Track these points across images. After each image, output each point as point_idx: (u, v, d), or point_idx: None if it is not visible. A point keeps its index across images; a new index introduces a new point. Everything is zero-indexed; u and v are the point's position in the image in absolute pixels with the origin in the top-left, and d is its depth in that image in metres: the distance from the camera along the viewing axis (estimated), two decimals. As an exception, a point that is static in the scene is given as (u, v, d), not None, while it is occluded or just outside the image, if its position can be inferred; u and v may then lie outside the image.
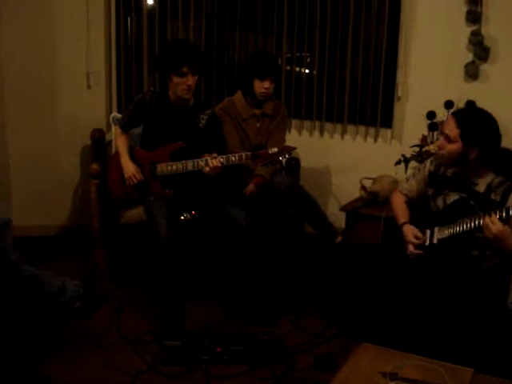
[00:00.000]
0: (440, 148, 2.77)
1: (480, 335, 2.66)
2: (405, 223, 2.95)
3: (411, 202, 3.05)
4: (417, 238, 2.84)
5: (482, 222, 2.51)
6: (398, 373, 2.15)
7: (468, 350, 2.56)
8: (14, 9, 4.26)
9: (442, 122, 3.84)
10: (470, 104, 3.83)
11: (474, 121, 2.68)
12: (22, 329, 3.09)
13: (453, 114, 2.78)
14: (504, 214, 2.44)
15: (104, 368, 2.90)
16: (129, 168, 3.52)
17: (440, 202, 2.86)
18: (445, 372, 2.15)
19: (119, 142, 3.65)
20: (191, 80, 3.36)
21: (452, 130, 2.68)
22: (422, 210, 2.95)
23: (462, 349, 2.57)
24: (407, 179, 3.10)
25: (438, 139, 3.69)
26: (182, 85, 3.37)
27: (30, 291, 3.21)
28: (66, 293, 3.33)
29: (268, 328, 3.29)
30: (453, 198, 2.81)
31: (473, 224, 2.56)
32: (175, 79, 3.37)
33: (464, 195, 2.76)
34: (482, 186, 2.72)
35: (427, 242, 2.80)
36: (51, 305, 3.28)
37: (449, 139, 2.69)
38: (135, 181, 3.50)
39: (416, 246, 2.83)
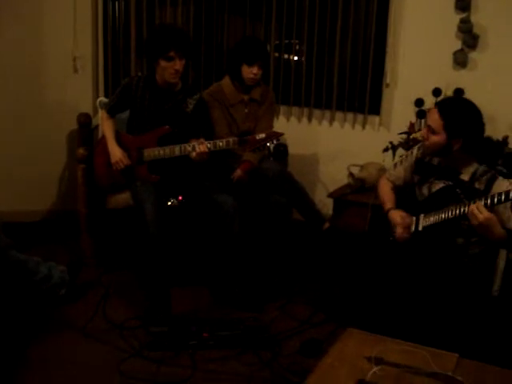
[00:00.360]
0: (424, 139, 2.78)
1: (465, 321, 2.68)
2: (391, 209, 2.95)
3: (398, 189, 3.06)
4: (402, 218, 2.85)
5: (467, 209, 2.52)
6: (384, 357, 2.16)
7: (453, 336, 2.58)
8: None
9: (429, 110, 3.85)
10: (456, 93, 3.84)
11: (457, 112, 2.66)
12: (7, 314, 3.07)
13: (436, 104, 2.76)
14: (489, 202, 2.45)
15: (90, 353, 2.90)
16: (115, 153, 3.50)
17: (425, 190, 2.86)
18: (430, 357, 2.16)
19: (105, 127, 3.62)
20: (178, 64, 3.34)
21: (435, 121, 2.67)
22: (407, 198, 2.96)
23: (447, 334, 2.59)
24: (395, 166, 3.11)
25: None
26: (170, 69, 3.35)
27: (16, 277, 3.19)
28: (52, 279, 3.30)
29: (255, 314, 3.30)
30: (438, 186, 2.81)
31: (458, 211, 2.57)
32: (162, 63, 3.35)
33: (449, 183, 2.76)
34: (466, 175, 2.72)
35: (412, 229, 2.81)
36: (36, 291, 3.26)
37: (432, 130, 2.68)
38: (122, 166, 3.48)
39: (404, 228, 2.84)
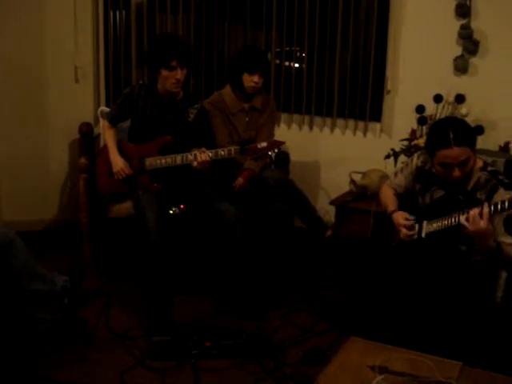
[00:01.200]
0: (460, 177, 2.63)
1: (468, 328, 2.67)
2: (394, 211, 2.95)
3: (400, 196, 3.05)
4: (406, 219, 2.85)
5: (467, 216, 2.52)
6: (387, 366, 2.16)
7: (456, 344, 2.57)
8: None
9: (431, 117, 3.84)
10: (457, 99, 3.82)
11: (467, 130, 2.65)
12: (8, 322, 3.07)
13: (446, 144, 2.57)
14: (493, 209, 2.44)
15: (92, 363, 2.89)
16: (117, 162, 3.50)
17: (427, 198, 2.86)
18: (433, 365, 2.16)
19: (107, 136, 3.63)
20: (180, 74, 3.35)
21: (464, 152, 2.57)
22: (410, 205, 2.95)
23: (451, 342, 2.58)
24: (395, 174, 3.09)
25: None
26: (171, 78, 3.35)
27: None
28: (55, 287, 3.29)
29: (257, 322, 3.29)
30: (440, 193, 2.81)
31: (461, 218, 2.57)
32: (164, 73, 3.36)
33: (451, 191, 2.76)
34: (469, 185, 2.71)
35: (415, 236, 2.81)
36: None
37: (465, 162, 2.59)
38: (124, 175, 3.48)
39: (408, 229, 2.83)
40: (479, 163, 2.72)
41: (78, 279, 3.51)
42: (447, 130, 2.58)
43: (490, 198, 2.62)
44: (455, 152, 2.56)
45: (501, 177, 2.67)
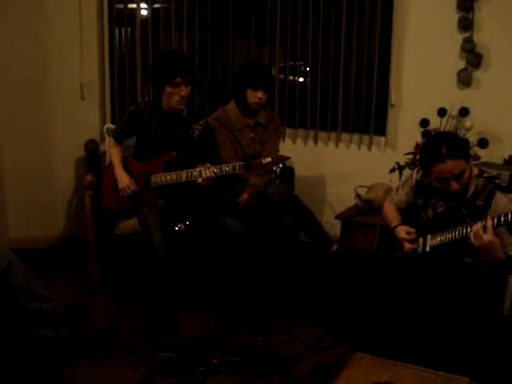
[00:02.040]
0: (457, 190, 2.65)
1: (475, 343, 2.66)
2: (397, 225, 2.95)
3: (403, 212, 3.05)
4: (408, 233, 2.85)
5: (469, 230, 2.52)
6: (394, 382, 2.15)
7: (463, 359, 2.56)
8: (5, 17, 4.27)
9: (435, 130, 3.85)
10: (461, 113, 3.83)
11: (459, 142, 2.66)
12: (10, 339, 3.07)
13: (439, 158, 2.58)
14: (496, 222, 2.44)
15: (98, 380, 2.89)
16: (123, 179, 3.52)
17: (430, 212, 2.86)
18: (440, 381, 2.15)
19: (113, 153, 3.64)
20: (184, 90, 3.36)
21: (459, 165, 2.59)
22: (413, 219, 2.95)
23: (458, 358, 2.56)
24: (396, 189, 3.10)
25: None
26: (176, 95, 3.37)
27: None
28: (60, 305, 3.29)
29: (264, 338, 3.28)
30: (442, 207, 2.81)
31: (465, 231, 2.56)
32: (169, 89, 3.37)
33: (453, 204, 2.75)
34: (468, 194, 2.71)
35: (420, 250, 2.80)
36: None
37: (460, 174, 2.61)
38: (129, 191, 3.49)
39: (411, 242, 2.85)
40: (475, 171, 2.73)
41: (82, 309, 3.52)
42: (439, 145, 2.59)
43: (488, 202, 2.63)
44: (449, 165, 2.58)
45: (497, 181, 2.68)
